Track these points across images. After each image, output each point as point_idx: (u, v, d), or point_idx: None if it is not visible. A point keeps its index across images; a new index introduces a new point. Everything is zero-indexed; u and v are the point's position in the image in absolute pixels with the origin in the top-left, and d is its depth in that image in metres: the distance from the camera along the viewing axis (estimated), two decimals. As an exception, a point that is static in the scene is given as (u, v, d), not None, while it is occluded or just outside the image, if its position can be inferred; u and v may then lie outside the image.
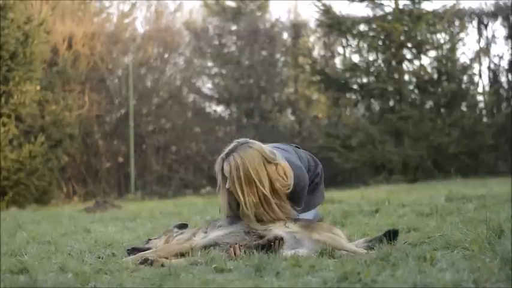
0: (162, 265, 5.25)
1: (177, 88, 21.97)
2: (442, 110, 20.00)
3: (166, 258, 5.47)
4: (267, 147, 5.79)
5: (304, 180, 5.95)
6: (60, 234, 7.97)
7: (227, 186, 5.69)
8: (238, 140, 5.79)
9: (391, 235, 5.58)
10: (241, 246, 5.50)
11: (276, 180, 5.68)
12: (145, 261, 5.32)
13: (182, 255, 5.55)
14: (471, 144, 19.10)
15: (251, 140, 5.80)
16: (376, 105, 20.47)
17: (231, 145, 5.74)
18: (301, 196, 5.91)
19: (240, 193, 5.61)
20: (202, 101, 22.14)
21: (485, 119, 20.30)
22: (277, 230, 5.61)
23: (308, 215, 6.10)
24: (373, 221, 7.67)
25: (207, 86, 22.32)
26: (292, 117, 22.46)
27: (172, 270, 4.80)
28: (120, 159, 20.78)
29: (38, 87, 17.55)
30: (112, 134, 20.98)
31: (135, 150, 20.03)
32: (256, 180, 5.59)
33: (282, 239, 5.53)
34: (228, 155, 5.67)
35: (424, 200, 9.83)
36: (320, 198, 6.40)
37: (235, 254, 5.44)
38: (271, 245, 5.50)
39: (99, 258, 5.71)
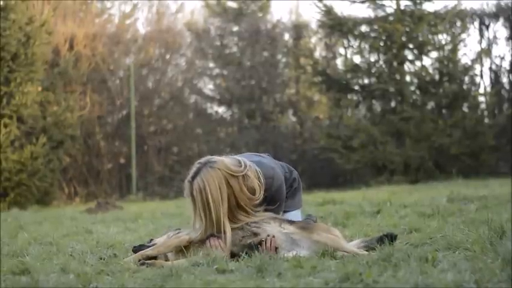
0: (162, 266, 5.27)
1: (178, 89, 21.96)
2: (444, 110, 20.00)
3: (166, 253, 5.58)
4: (231, 160, 5.81)
5: (279, 179, 5.97)
6: (61, 235, 7.98)
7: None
8: (200, 161, 5.81)
9: (389, 238, 5.56)
10: (223, 247, 5.57)
11: (240, 195, 5.70)
12: (143, 264, 5.33)
13: (181, 250, 5.60)
14: (472, 145, 19.08)
15: (213, 159, 5.80)
16: (377, 106, 20.45)
17: (194, 167, 5.77)
18: (277, 196, 5.93)
19: (206, 219, 5.65)
20: (203, 102, 22.13)
21: (486, 120, 20.28)
22: (270, 229, 5.62)
23: (296, 218, 6.10)
24: (374, 221, 7.67)
25: (208, 87, 22.32)
26: (293, 118, 22.45)
27: (173, 271, 4.81)
28: (122, 160, 20.78)
29: (40, 88, 17.57)
30: (113, 135, 20.98)
31: (137, 151, 20.03)
32: (220, 202, 5.63)
33: (273, 236, 5.55)
34: (193, 178, 5.71)
35: (426, 201, 9.83)
36: (300, 203, 6.38)
37: (216, 246, 5.55)
38: (261, 243, 5.54)
39: (101, 259, 5.71)
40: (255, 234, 5.63)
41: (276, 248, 5.56)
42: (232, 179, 5.70)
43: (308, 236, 5.54)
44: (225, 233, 5.63)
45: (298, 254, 5.40)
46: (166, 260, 5.61)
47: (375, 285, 4.06)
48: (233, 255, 5.56)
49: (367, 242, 5.67)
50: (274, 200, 5.89)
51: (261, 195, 5.79)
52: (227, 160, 5.79)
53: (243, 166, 5.76)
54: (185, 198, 5.82)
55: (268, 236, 5.59)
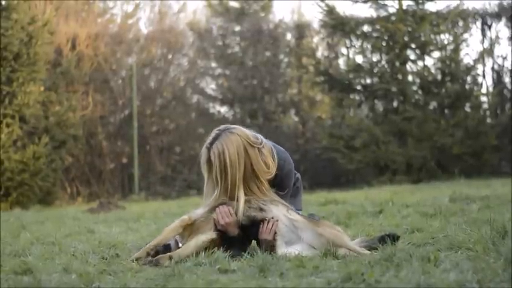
0: (170, 258, 5.32)
1: (180, 89, 21.98)
2: (446, 110, 20.00)
3: (170, 238, 5.66)
4: (251, 132, 5.84)
5: (289, 164, 5.99)
6: (64, 235, 7.98)
7: (213, 175, 5.75)
8: (219, 128, 5.86)
9: (391, 238, 5.55)
10: (232, 214, 5.61)
11: (257, 164, 5.72)
12: (151, 262, 5.35)
13: (185, 229, 5.67)
14: (475, 144, 19.08)
15: (233, 126, 5.87)
16: (379, 105, 20.46)
17: (213, 133, 5.82)
18: (286, 182, 5.94)
19: (221, 182, 5.67)
20: (206, 101, 22.15)
21: (488, 120, 20.28)
22: (276, 211, 5.64)
23: None
24: (376, 221, 7.66)
25: (210, 86, 22.34)
26: (295, 118, 22.46)
27: (176, 270, 4.81)
28: (124, 160, 20.80)
29: (42, 88, 17.58)
30: (116, 134, 21.00)
31: (139, 151, 20.05)
32: (237, 167, 5.65)
33: (277, 220, 5.57)
34: (211, 144, 5.73)
35: (428, 201, 9.82)
36: (301, 204, 6.39)
37: (224, 220, 5.58)
38: (263, 222, 5.58)
39: (103, 259, 5.71)
40: (261, 210, 5.66)
41: (275, 234, 5.57)
42: (250, 148, 5.71)
43: (312, 228, 5.54)
44: (237, 200, 5.65)
45: (297, 249, 5.41)
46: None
47: (377, 285, 4.06)
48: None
49: (369, 242, 5.67)
50: (283, 185, 5.89)
51: (273, 171, 5.81)
52: (246, 130, 5.83)
53: (259, 140, 5.80)
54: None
55: (272, 218, 5.61)
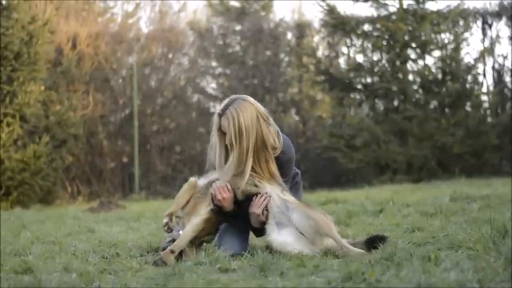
0: (172, 251, 5.41)
1: (181, 88, 21.98)
2: (447, 110, 19.98)
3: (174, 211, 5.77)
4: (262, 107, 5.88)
5: (291, 152, 6.03)
6: (64, 234, 7.99)
7: (227, 141, 5.75)
8: (231, 97, 5.88)
9: (379, 240, 5.52)
10: (229, 190, 5.66)
11: (266, 135, 5.76)
12: (156, 263, 5.38)
13: (188, 202, 5.77)
14: (475, 144, 19.07)
15: (244, 95, 5.90)
16: (380, 105, 20.45)
17: (225, 101, 5.83)
18: (286, 168, 5.94)
19: (236, 146, 5.67)
20: (206, 101, 22.15)
21: (489, 119, 20.26)
22: (271, 189, 5.65)
23: None
24: (377, 221, 7.67)
25: (211, 86, 22.33)
26: (296, 117, 22.45)
27: (176, 270, 4.81)
28: (125, 159, 20.79)
29: (42, 88, 17.57)
30: (116, 134, 20.99)
31: (140, 150, 20.04)
32: (251, 132, 5.67)
33: (269, 197, 5.62)
34: (224, 110, 5.74)
35: (428, 200, 9.83)
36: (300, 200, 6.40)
37: (221, 195, 5.62)
38: (256, 196, 5.62)
39: (104, 258, 5.72)
40: (256, 186, 5.68)
41: (266, 210, 5.58)
42: (261, 118, 5.76)
43: (303, 210, 5.54)
44: (245, 167, 5.67)
45: (286, 234, 5.42)
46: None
47: (378, 285, 4.06)
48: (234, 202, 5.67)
49: (354, 244, 5.64)
50: (283, 171, 5.90)
51: (278, 151, 5.86)
52: (259, 104, 5.88)
53: (269, 118, 5.87)
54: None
55: (266, 193, 5.63)
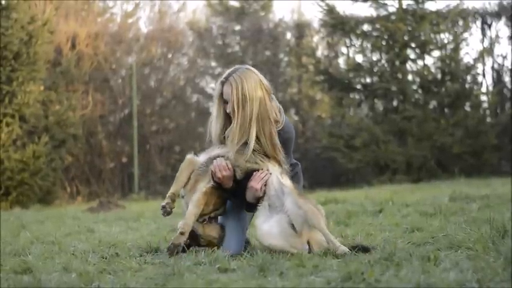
0: (182, 233, 5.50)
1: (180, 88, 21.98)
2: (446, 110, 19.98)
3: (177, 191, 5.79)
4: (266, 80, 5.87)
5: (292, 132, 6.00)
6: (63, 234, 7.99)
7: (228, 109, 5.73)
8: (235, 66, 5.88)
9: (362, 250, 5.47)
10: (229, 168, 5.66)
11: (270, 106, 5.77)
12: (169, 249, 5.49)
13: (189, 178, 5.79)
14: (475, 144, 19.07)
15: (249, 66, 5.90)
16: (379, 105, 20.45)
17: (228, 70, 5.83)
18: (287, 145, 5.91)
19: (239, 113, 5.66)
20: (205, 101, 22.13)
21: (488, 119, 20.27)
22: (271, 169, 5.64)
23: None
24: (376, 221, 7.67)
25: (210, 86, 22.30)
26: (295, 117, 22.44)
27: (176, 269, 4.81)
28: (124, 159, 20.80)
29: (42, 88, 17.57)
30: (116, 134, 20.99)
31: (139, 150, 20.04)
32: (254, 99, 5.66)
33: (270, 174, 5.61)
34: (227, 78, 5.74)
35: (428, 200, 9.83)
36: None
37: (221, 173, 5.63)
38: (256, 171, 5.63)
39: (103, 258, 5.72)
40: (257, 164, 5.68)
41: (265, 186, 5.59)
42: (264, 90, 5.76)
43: (296, 198, 5.53)
44: (249, 138, 5.67)
45: (273, 222, 5.42)
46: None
47: (377, 285, 4.06)
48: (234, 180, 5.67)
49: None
50: (283, 149, 5.87)
51: (280, 126, 5.85)
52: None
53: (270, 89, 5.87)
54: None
55: (267, 170, 5.63)
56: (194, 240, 5.79)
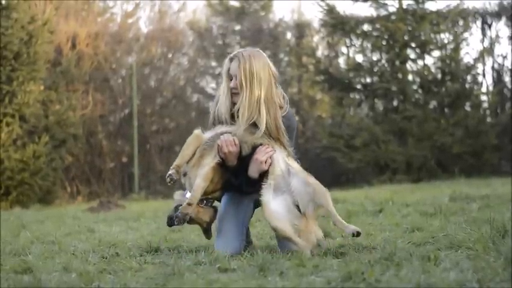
0: (189, 204, 5.47)
1: (180, 88, 21.98)
2: (446, 109, 19.99)
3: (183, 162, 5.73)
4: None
5: (294, 123, 6.00)
6: (64, 234, 7.99)
7: (232, 84, 5.74)
8: (246, 47, 5.93)
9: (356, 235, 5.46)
10: (236, 144, 5.62)
11: (276, 90, 5.82)
12: (178, 218, 5.47)
13: (193, 155, 5.73)
14: (475, 144, 19.07)
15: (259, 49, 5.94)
16: (379, 105, 20.46)
17: (236, 51, 5.85)
18: (289, 134, 5.88)
19: (247, 90, 5.67)
20: (206, 100, 22.13)
21: (489, 119, 20.28)
22: (278, 149, 5.63)
23: None
24: (376, 221, 7.67)
25: (210, 85, 22.33)
26: (295, 117, 22.44)
27: (176, 269, 4.80)
28: (124, 159, 20.80)
29: (42, 87, 17.57)
30: (116, 134, 21.00)
31: (139, 150, 20.04)
32: (262, 79, 5.69)
33: (275, 151, 5.60)
34: (235, 54, 5.78)
35: (428, 200, 9.83)
36: None
37: (228, 149, 5.59)
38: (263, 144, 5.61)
39: (103, 258, 5.71)
40: (264, 142, 5.67)
41: (270, 158, 5.57)
42: (272, 74, 5.80)
43: (303, 176, 5.51)
44: (260, 115, 5.66)
45: (280, 202, 5.41)
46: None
47: (377, 285, 4.06)
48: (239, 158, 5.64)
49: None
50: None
51: (284, 113, 5.85)
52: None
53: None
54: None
55: (273, 148, 5.62)
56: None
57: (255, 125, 5.71)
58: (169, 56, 22.18)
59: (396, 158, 18.88)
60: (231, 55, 5.80)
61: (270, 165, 5.56)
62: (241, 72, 5.66)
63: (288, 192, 5.47)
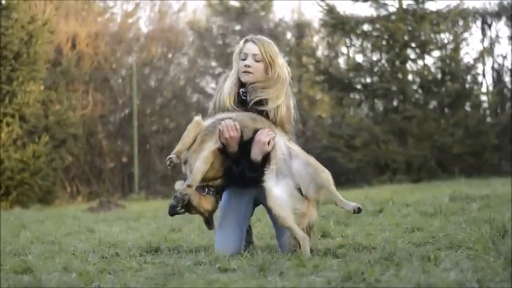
0: (189, 186, 5.47)
1: (180, 88, 21.98)
2: (446, 110, 19.99)
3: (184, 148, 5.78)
4: None
5: (297, 113, 5.99)
6: (64, 234, 7.99)
7: (247, 62, 5.80)
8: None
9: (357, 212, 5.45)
10: (237, 129, 5.61)
11: (285, 77, 5.81)
12: (176, 198, 5.47)
13: (194, 141, 5.78)
14: (475, 144, 19.07)
15: None
16: (379, 105, 20.46)
17: (245, 37, 5.92)
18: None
19: (268, 64, 5.76)
20: (206, 100, 22.13)
21: (489, 119, 20.28)
22: (279, 134, 5.62)
23: None
24: (376, 221, 7.66)
25: (210, 85, 22.33)
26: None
27: (176, 269, 4.80)
28: (124, 159, 20.80)
29: (42, 87, 17.58)
30: (116, 134, 21.00)
31: (139, 150, 20.04)
32: (279, 63, 5.77)
33: (276, 135, 5.59)
34: (251, 38, 5.87)
35: (428, 200, 9.83)
36: None
37: (229, 133, 5.59)
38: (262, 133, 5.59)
39: (103, 258, 5.71)
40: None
41: (272, 139, 5.57)
42: (281, 61, 5.83)
43: (304, 157, 5.51)
44: (268, 97, 5.71)
45: (283, 187, 5.41)
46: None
47: (377, 285, 4.06)
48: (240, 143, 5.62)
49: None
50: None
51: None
52: None
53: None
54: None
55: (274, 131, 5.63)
56: (186, 207, 5.74)
57: (256, 112, 5.72)
58: (169, 56, 22.19)
59: (396, 158, 18.88)
60: (246, 38, 5.88)
61: (272, 148, 5.56)
62: (261, 53, 5.76)
63: (289, 175, 5.47)
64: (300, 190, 5.45)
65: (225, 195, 5.94)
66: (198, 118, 5.86)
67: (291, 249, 5.48)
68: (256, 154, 5.58)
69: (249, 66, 5.79)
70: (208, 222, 5.83)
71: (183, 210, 5.63)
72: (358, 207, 5.34)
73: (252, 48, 5.78)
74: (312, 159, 5.50)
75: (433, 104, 19.97)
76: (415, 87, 19.73)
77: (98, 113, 20.22)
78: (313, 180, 5.42)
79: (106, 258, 5.69)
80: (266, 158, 5.56)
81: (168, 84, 21.80)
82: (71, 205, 17.08)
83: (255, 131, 5.61)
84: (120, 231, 8.19)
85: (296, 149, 5.59)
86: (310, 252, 5.37)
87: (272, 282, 4.31)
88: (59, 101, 17.94)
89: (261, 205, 5.95)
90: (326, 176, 5.43)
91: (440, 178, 17.75)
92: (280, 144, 5.57)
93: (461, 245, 5.25)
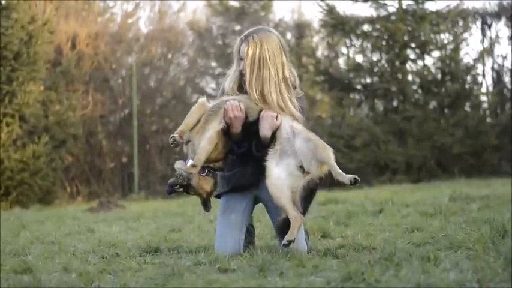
0: (194, 166, 5.49)
1: (180, 88, 21.97)
2: (446, 110, 19.98)
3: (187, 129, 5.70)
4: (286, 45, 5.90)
5: (304, 104, 6.01)
6: (63, 234, 7.99)
7: (240, 67, 5.78)
8: (259, 26, 5.93)
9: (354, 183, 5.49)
10: (242, 110, 5.60)
11: (287, 69, 5.77)
12: (181, 176, 5.53)
13: (198, 121, 5.68)
14: (475, 144, 19.07)
15: (271, 28, 5.95)
16: (379, 105, 20.45)
17: (252, 29, 5.85)
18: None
19: (248, 74, 5.71)
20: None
21: (488, 119, 20.27)
22: (283, 115, 5.63)
23: None
24: (376, 221, 7.67)
25: (210, 86, 22.31)
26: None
27: (176, 270, 4.81)
28: (124, 159, 20.79)
29: (42, 87, 17.56)
30: (116, 134, 20.99)
31: (139, 150, 20.03)
32: (270, 64, 5.67)
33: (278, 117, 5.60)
34: (247, 36, 5.77)
35: (428, 200, 9.83)
36: None
37: (233, 113, 5.57)
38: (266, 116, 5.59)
39: (103, 258, 5.72)
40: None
41: (279, 117, 5.59)
42: (284, 53, 5.79)
43: (305, 134, 5.55)
44: (270, 97, 5.67)
45: (284, 167, 5.42)
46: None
47: (377, 285, 4.06)
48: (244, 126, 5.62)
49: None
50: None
51: (297, 85, 5.88)
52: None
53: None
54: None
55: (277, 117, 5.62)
56: (185, 187, 5.76)
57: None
58: (169, 56, 22.17)
59: (396, 158, 18.87)
60: (242, 36, 5.83)
61: (277, 128, 5.57)
62: (248, 57, 5.72)
63: (292, 155, 5.52)
64: (302, 168, 5.49)
65: (224, 195, 5.94)
66: (202, 99, 5.81)
67: (279, 224, 5.51)
68: (265, 129, 5.59)
69: (243, 70, 5.78)
70: (206, 203, 5.85)
71: (181, 189, 5.65)
72: (354, 178, 5.44)
73: (245, 50, 5.76)
74: (312, 135, 5.54)
75: (433, 104, 19.96)
76: (415, 87, 19.72)
77: (98, 113, 20.20)
78: (314, 156, 5.48)
79: (106, 258, 5.70)
80: (273, 137, 5.58)
81: (168, 85, 21.78)
82: (70, 205, 17.07)
83: (260, 112, 5.62)
84: (120, 231, 8.19)
85: (299, 127, 5.62)
86: (310, 252, 5.38)
87: (272, 282, 4.32)
88: (58, 101, 17.94)
89: (261, 205, 5.96)
90: (327, 152, 5.48)
91: (440, 178, 17.75)
92: (285, 125, 5.60)
93: (461, 245, 5.25)
